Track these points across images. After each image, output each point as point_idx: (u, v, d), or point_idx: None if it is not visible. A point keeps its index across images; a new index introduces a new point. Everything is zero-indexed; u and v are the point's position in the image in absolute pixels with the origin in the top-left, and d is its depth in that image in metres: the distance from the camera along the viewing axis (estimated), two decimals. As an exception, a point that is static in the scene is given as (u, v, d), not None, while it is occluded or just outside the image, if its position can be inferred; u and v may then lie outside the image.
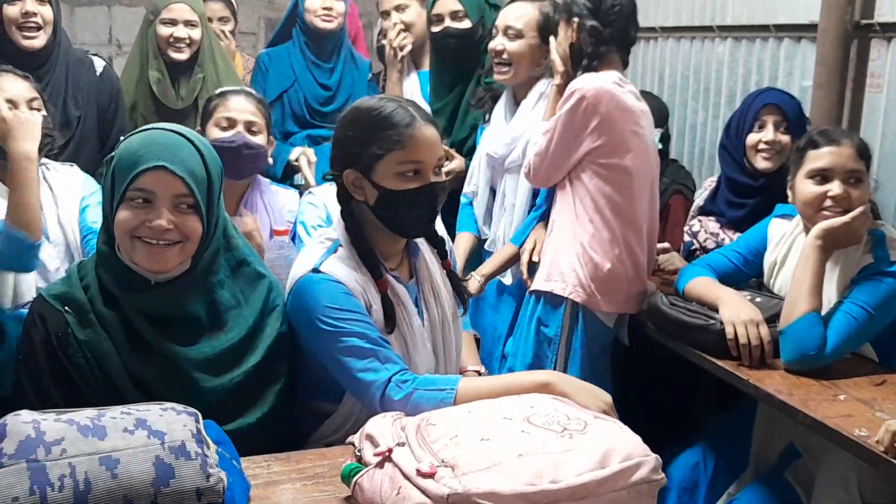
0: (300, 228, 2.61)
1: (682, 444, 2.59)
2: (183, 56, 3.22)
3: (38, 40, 2.82)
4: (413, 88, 3.55)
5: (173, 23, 3.20)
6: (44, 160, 2.51)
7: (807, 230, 2.29)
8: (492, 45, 2.84)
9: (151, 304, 1.74)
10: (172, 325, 1.75)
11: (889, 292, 2.15)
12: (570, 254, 2.51)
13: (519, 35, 2.80)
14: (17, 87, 2.45)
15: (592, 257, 2.49)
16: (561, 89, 2.54)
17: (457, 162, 3.13)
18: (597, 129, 2.44)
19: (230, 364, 1.79)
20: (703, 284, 2.44)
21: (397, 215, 1.87)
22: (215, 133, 2.58)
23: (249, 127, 2.62)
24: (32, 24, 2.80)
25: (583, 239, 2.50)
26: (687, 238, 2.95)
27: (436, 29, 3.26)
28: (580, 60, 2.52)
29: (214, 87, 3.10)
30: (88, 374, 1.69)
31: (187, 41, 3.21)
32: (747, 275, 2.53)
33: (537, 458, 1.33)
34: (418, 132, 1.82)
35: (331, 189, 2.75)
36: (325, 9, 3.50)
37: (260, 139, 2.63)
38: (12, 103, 2.40)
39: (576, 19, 2.49)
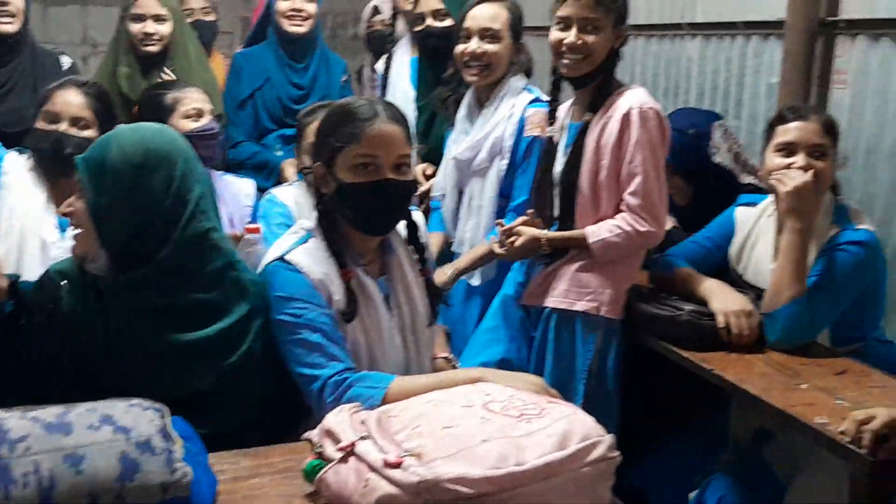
0: (261, 226, 2.64)
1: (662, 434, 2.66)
2: (153, 49, 3.27)
3: (12, 26, 2.96)
4: (402, 71, 3.61)
5: (142, 18, 3.26)
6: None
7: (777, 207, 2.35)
8: (466, 48, 2.80)
9: (108, 296, 1.77)
10: (144, 316, 1.76)
11: (860, 260, 2.26)
12: (599, 268, 2.43)
13: (496, 36, 2.79)
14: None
15: (622, 269, 2.45)
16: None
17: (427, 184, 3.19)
18: (667, 142, 2.44)
19: (206, 362, 1.80)
20: (686, 275, 2.49)
21: (352, 209, 1.91)
22: (187, 125, 2.64)
23: (212, 113, 2.81)
24: (6, 12, 2.96)
25: None
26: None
27: (418, 28, 3.31)
28: (611, 67, 2.47)
29: (185, 76, 3.17)
30: (67, 347, 1.75)
31: (157, 36, 3.26)
32: (717, 260, 2.57)
33: (500, 443, 1.36)
34: (377, 127, 1.86)
35: (290, 188, 2.80)
36: (293, 10, 3.54)
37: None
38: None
39: (622, 27, 2.43)
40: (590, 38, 2.38)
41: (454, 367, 2.15)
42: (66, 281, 1.80)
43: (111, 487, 1.28)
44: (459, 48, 2.84)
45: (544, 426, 1.42)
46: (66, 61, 3.20)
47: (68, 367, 1.76)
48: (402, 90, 3.63)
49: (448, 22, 3.18)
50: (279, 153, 3.54)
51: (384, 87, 3.75)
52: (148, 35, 3.25)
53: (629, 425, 2.47)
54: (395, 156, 1.89)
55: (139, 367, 1.75)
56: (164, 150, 1.78)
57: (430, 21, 3.23)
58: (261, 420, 1.88)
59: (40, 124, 2.55)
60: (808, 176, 2.25)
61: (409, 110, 3.32)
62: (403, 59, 3.71)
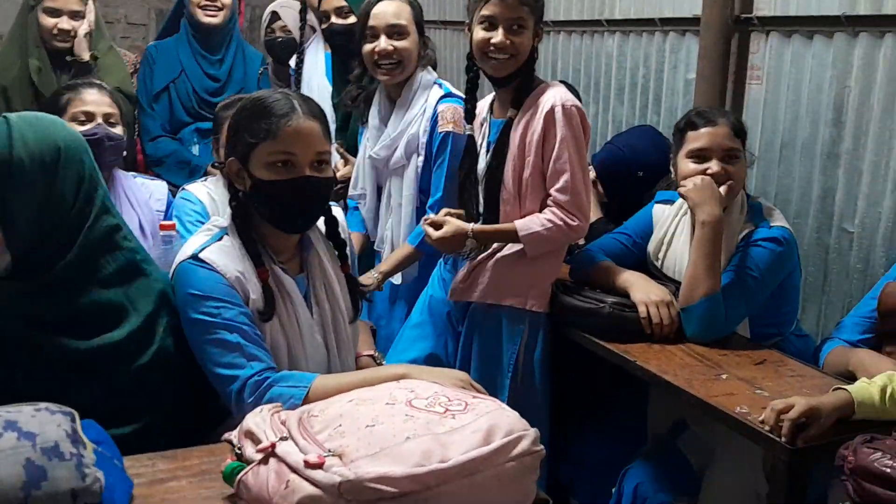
0: (176, 223, 2.58)
1: (587, 427, 2.68)
2: (67, 45, 3.16)
3: None
4: (317, 66, 3.58)
5: (57, 13, 3.14)
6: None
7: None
8: (375, 48, 2.76)
9: (9, 302, 1.66)
10: (52, 321, 1.68)
11: (775, 256, 2.30)
12: (524, 263, 2.44)
13: (404, 32, 2.77)
14: None
15: (547, 263, 2.46)
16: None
17: (348, 168, 3.12)
18: (588, 137, 2.45)
19: (114, 365, 1.73)
20: (606, 268, 2.50)
21: (269, 207, 1.86)
22: (74, 128, 2.51)
23: (108, 119, 2.62)
24: None
25: None
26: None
27: (324, 26, 3.29)
28: (532, 64, 2.47)
29: (98, 71, 3.08)
30: None
31: (72, 33, 3.15)
32: (636, 256, 2.60)
33: (424, 440, 1.34)
34: (293, 124, 1.80)
35: (204, 184, 2.73)
36: (208, 1, 3.46)
37: (118, 130, 2.64)
38: None
39: (541, 24, 2.45)
40: (517, 38, 2.39)
41: (380, 365, 2.12)
42: None
43: (16, 497, 1.21)
44: (368, 47, 2.79)
45: (468, 422, 1.41)
46: None
47: None
48: (318, 85, 3.60)
49: (351, 19, 3.16)
50: (195, 147, 3.46)
51: (298, 81, 3.70)
52: (63, 31, 3.14)
53: (554, 419, 2.49)
54: (313, 153, 1.83)
55: (44, 376, 1.67)
56: (72, 146, 1.69)
57: (333, 19, 3.22)
58: (176, 421, 1.82)
59: None
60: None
61: (327, 106, 3.28)
62: (318, 55, 3.67)
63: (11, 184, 1.62)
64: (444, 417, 1.42)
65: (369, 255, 2.95)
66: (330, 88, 3.53)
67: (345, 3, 3.20)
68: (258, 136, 1.81)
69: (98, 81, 2.74)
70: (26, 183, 1.63)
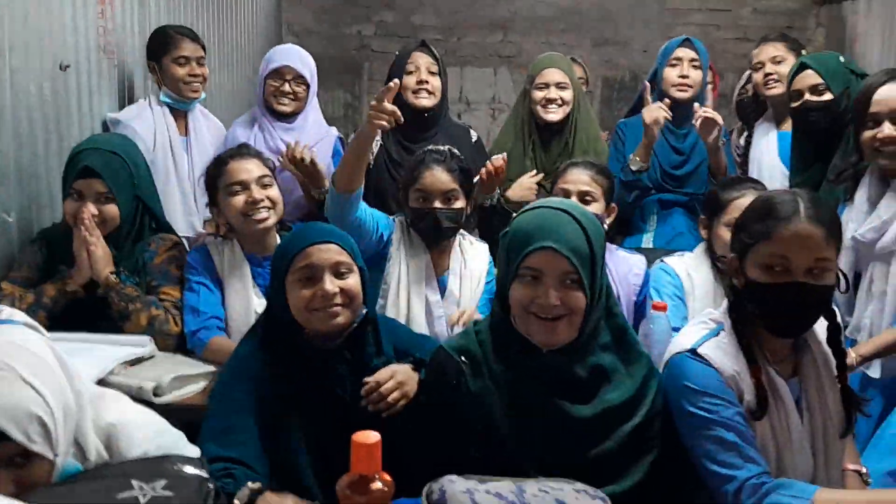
0: (654, 295, 2.68)
1: None
2: (554, 116, 3.48)
3: (428, 101, 3.32)
4: (768, 147, 3.57)
5: (546, 86, 3.49)
6: None
7: None
8: (879, 133, 2.64)
9: (542, 370, 1.85)
10: (559, 386, 1.84)
11: None
12: None
13: None
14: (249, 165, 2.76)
15: None
16: None
17: None
18: None
19: (610, 427, 1.84)
20: None
21: (759, 309, 1.84)
22: None
23: (583, 197, 2.81)
24: (425, 90, 3.32)
25: None
26: None
27: (795, 104, 3.25)
28: None
29: (582, 148, 3.38)
30: (472, 422, 1.83)
31: (558, 102, 3.47)
32: None
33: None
34: (792, 228, 1.77)
35: (683, 258, 2.77)
36: (681, 77, 3.56)
37: (595, 207, 2.78)
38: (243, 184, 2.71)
39: None
40: None
41: (866, 483, 2.00)
42: (464, 358, 1.89)
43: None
44: (868, 134, 2.68)
45: None
46: (474, 134, 3.52)
47: (472, 441, 1.84)
48: (768, 165, 3.60)
49: (827, 96, 3.14)
50: (653, 217, 3.57)
51: (745, 162, 3.67)
52: (550, 100, 3.48)
53: None
54: (810, 259, 1.78)
55: (542, 437, 1.82)
56: None
57: (808, 96, 3.19)
58: (659, 484, 1.86)
59: (414, 203, 2.76)
60: None
61: (777, 185, 3.29)
62: (769, 135, 3.68)
63: (596, 274, 1.85)
64: None
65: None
66: (782, 168, 3.50)
67: (821, 81, 3.17)
68: (755, 237, 1.82)
69: (589, 159, 2.99)
70: (598, 270, 1.86)
